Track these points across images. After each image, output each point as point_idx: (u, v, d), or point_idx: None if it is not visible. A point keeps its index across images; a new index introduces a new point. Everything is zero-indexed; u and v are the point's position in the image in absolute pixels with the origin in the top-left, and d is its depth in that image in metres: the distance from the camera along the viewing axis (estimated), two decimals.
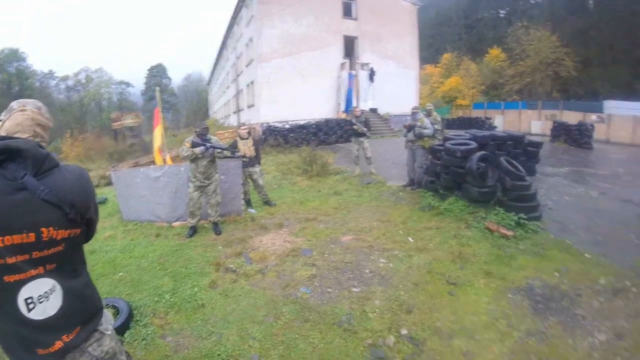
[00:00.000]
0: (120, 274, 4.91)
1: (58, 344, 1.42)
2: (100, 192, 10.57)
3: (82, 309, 1.52)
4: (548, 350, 3.19)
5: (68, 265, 1.46)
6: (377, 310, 3.80)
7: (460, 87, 43.35)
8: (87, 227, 1.53)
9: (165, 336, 3.52)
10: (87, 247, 5.37)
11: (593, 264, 4.85)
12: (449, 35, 60.60)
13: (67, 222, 1.38)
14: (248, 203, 7.69)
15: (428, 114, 8.84)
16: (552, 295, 4.08)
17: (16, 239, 1.25)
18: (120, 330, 3.41)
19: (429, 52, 54.88)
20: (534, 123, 27.56)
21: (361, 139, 10.53)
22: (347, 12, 24.76)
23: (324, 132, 18.52)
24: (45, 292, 1.36)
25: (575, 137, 17.65)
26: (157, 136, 8.72)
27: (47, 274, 1.36)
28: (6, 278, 1.27)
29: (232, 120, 29.79)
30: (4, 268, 1.26)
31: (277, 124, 19.52)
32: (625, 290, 4.18)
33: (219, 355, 3.20)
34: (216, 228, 6.34)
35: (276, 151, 15.47)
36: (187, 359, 3.20)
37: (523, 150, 9.54)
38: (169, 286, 4.45)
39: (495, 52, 45.62)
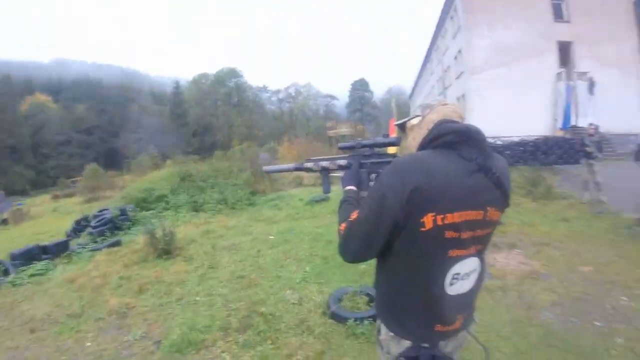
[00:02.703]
0: (363, 266, 5.46)
1: (458, 322, 1.47)
2: (318, 191, 11.67)
3: (477, 292, 1.56)
4: None
5: (487, 248, 1.51)
6: (619, 348, 3.76)
7: None
8: None
9: None
10: (325, 237, 7.83)
11: None
12: None
13: (502, 204, 1.43)
14: None
15: None
16: None
17: (471, 215, 1.32)
18: None
19: None
20: None
21: (591, 161, 9.85)
22: (558, 14, 22.72)
23: (542, 151, 17.33)
24: (469, 271, 1.43)
25: None
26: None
27: (476, 254, 1.43)
28: (451, 252, 1.34)
29: None
30: (456, 242, 1.33)
31: (489, 140, 18.59)
32: None
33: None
34: None
35: None
36: None
37: None
38: None
39: None
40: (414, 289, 1.41)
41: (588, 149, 9.84)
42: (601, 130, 20.41)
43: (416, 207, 1.24)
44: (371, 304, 4.22)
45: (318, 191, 11.71)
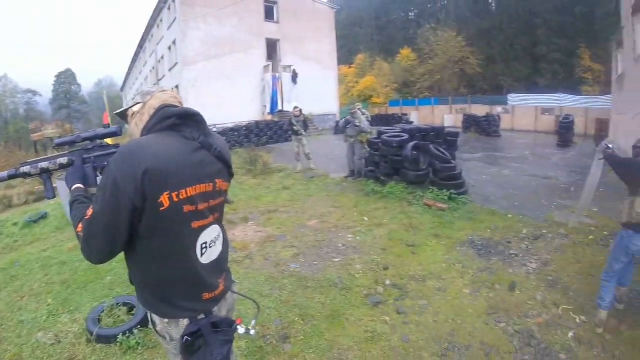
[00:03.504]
0: (109, 278, 4.95)
1: (221, 285, 1.58)
2: (33, 209, 9.64)
3: (227, 256, 1.69)
4: (496, 278, 4.41)
5: (223, 215, 1.64)
6: (360, 271, 4.70)
7: (375, 86, 45.57)
8: None
9: None
10: (57, 259, 5.60)
11: (515, 221, 6.41)
12: (362, 36, 62.47)
13: (228, 175, 1.59)
14: None
15: (362, 114, 9.95)
16: (489, 244, 5.41)
17: (202, 188, 1.42)
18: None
19: (343, 52, 55.81)
20: (446, 117, 29.76)
21: (300, 137, 11.50)
22: (269, 15, 25.56)
23: (254, 134, 19.31)
24: (214, 238, 1.53)
25: (484, 127, 20.42)
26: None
27: (215, 221, 1.54)
28: (194, 224, 1.42)
29: None
30: (195, 214, 1.41)
31: None
32: (543, 236, 5.72)
33: None
34: None
35: None
36: None
37: (444, 139, 10.91)
38: None
39: (405, 52, 48.86)
40: (171, 268, 1.43)
41: (295, 128, 11.53)
42: (305, 112, 24.14)
43: (151, 189, 1.27)
44: (132, 313, 3.85)
45: (33, 209, 9.71)
